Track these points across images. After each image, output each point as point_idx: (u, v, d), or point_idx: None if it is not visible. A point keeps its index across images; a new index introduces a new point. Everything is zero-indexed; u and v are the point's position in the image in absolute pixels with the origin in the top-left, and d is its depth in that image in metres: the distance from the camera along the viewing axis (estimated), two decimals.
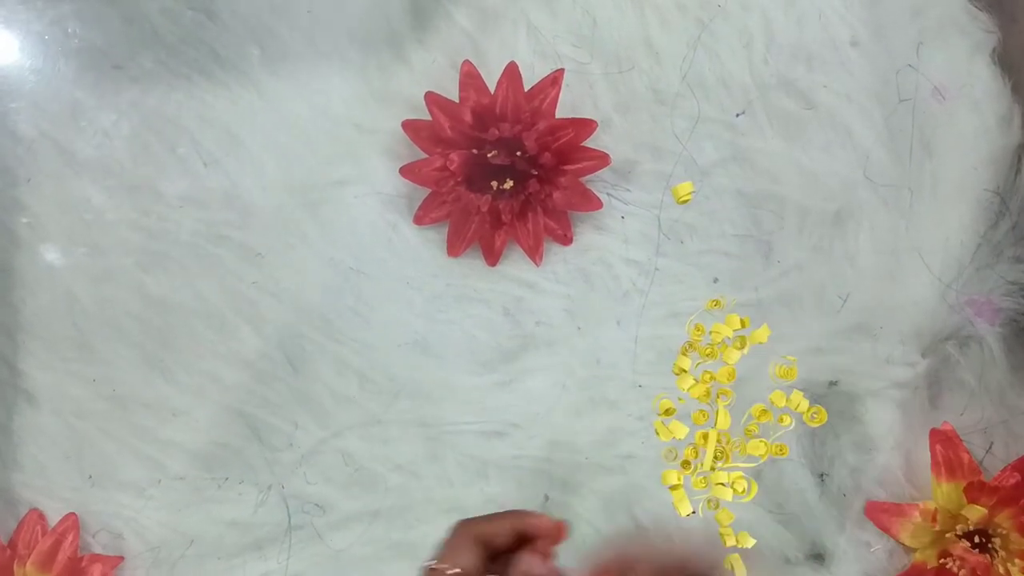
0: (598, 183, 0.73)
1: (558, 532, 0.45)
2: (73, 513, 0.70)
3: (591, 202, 0.72)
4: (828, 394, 0.69)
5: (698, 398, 0.61)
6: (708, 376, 0.62)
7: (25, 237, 0.72)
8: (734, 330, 0.61)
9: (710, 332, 0.62)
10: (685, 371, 0.62)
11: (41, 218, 0.73)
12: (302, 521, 0.69)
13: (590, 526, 0.69)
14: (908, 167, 0.69)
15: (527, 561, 0.43)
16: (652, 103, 0.73)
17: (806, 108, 0.71)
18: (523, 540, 0.45)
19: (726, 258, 0.71)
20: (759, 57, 0.71)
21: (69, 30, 0.75)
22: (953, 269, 0.68)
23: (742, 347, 0.61)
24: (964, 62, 0.70)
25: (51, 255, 0.73)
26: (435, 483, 0.70)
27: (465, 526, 0.44)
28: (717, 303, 0.68)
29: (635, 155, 0.73)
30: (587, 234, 0.73)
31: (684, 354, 0.63)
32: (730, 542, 0.59)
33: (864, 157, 0.70)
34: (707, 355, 0.62)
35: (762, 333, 0.61)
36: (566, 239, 0.73)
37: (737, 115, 0.71)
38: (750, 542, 0.59)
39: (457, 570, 0.41)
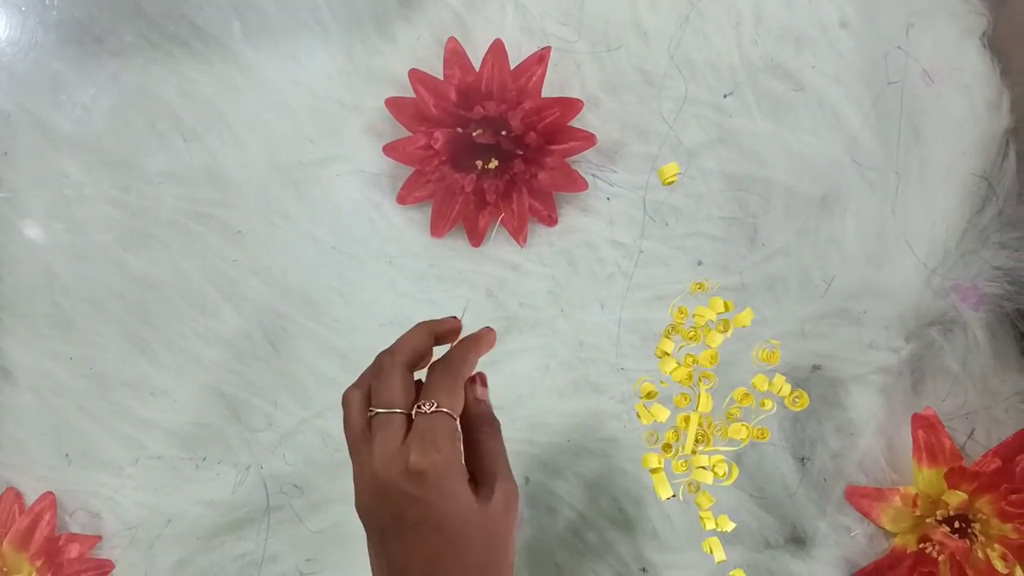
0: (584, 164, 0.72)
1: (456, 331, 0.47)
2: (50, 492, 0.69)
3: (576, 183, 0.71)
4: (811, 378, 0.68)
5: (680, 381, 0.61)
6: (690, 359, 0.61)
7: (3, 212, 0.72)
8: (717, 313, 0.60)
9: (693, 315, 0.61)
10: (668, 354, 0.62)
11: (19, 193, 0.72)
12: (281, 502, 0.68)
13: (572, 509, 0.68)
14: (896, 150, 0.68)
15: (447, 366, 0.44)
16: (639, 83, 0.72)
17: (794, 90, 0.70)
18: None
19: (711, 241, 0.70)
20: (748, 38, 0.71)
21: (47, 2, 0.74)
22: (939, 254, 0.68)
23: (725, 330, 0.60)
24: (954, 45, 0.69)
25: (29, 231, 0.72)
26: None
27: (389, 358, 0.44)
28: (701, 286, 0.67)
29: (621, 136, 0.72)
30: (572, 215, 0.73)
31: (667, 337, 0.62)
32: (710, 525, 0.59)
33: (852, 140, 0.69)
34: (690, 338, 0.62)
35: (745, 317, 0.60)
36: (551, 220, 0.72)
37: (725, 96, 0.70)
38: (730, 526, 0.59)
39: (398, 410, 0.42)
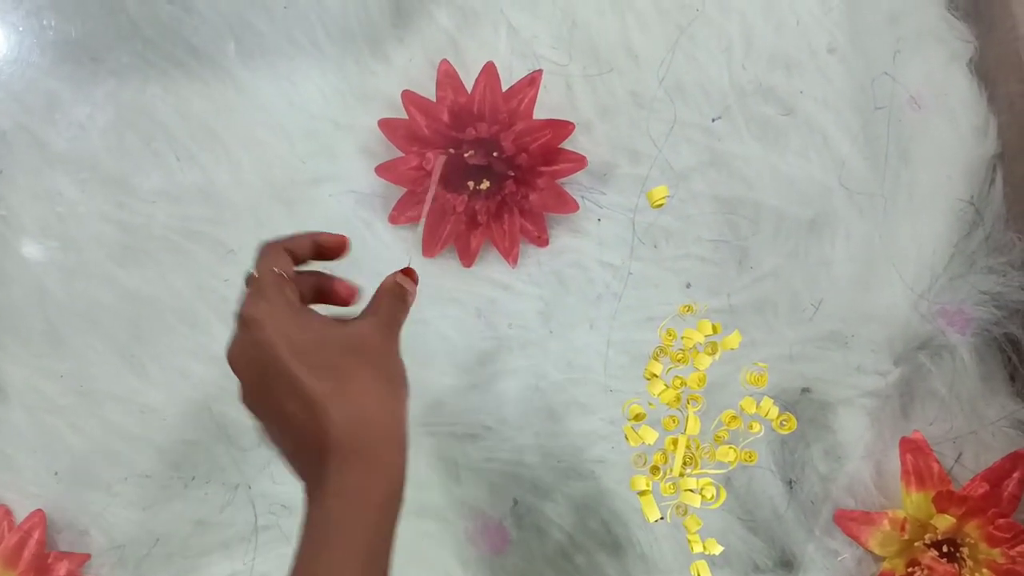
0: (574, 185, 0.72)
1: (342, 246, 0.51)
2: (40, 510, 0.69)
3: (567, 204, 0.72)
4: (800, 401, 0.69)
5: (668, 403, 0.61)
6: (679, 382, 0.62)
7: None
8: (706, 336, 0.61)
9: (682, 337, 0.62)
10: (656, 376, 0.62)
11: (14, 210, 0.72)
12: (269, 522, 0.68)
13: (561, 531, 0.68)
14: (883, 175, 0.69)
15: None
16: (630, 106, 0.73)
17: (783, 114, 0.71)
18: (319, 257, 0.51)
19: (700, 263, 0.71)
20: (737, 62, 0.71)
21: (44, 22, 0.75)
22: (926, 278, 0.68)
23: (713, 353, 0.61)
24: (941, 71, 0.70)
25: (23, 248, 0.72)
26: None
27: (270, 243, 0.48)
28: (689, 308, 0.68)
29: (612, 158, 0.73)
30: (562, 237, 0.73)
31: (655, 359, 0.63)
32: (697, 548, 0.59)
33: (840, 164, 0.70)
34: (678, 360, 0.62)
35: (733, 339, 0.61)
36: (541, 241, 0.73)
37: (714, 120, 0.71)
38: (717, 549, 0.59)
39: (277, 270, 0.45)
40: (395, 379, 0.45)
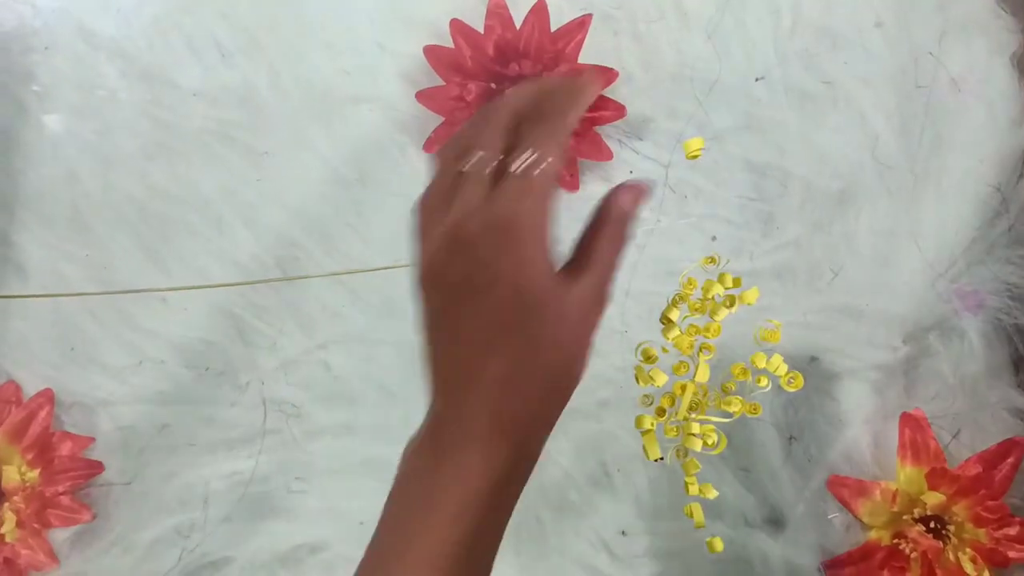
0: (611, 133, 0.73)
1: (586, 87, 0.38)
2: (49, 388, 0.70)
3: (602, 152, 0.72)
4: (807, 369, 0.70)
5: (681, 350, 0.62)
6: (694, 329, 0.62)
7: (33, 106, 0.72)
8: (725, 288, 0.62)
9: (701, 288, 0.62)
10: (672, 322, 0.63)
11: (51, 89, 0.72)
12: (277, 425, 0.69)
13: (559, 467, 0.69)
14: (916, 153, 0.70)
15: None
16: (674, 61, 0.73)
17: (823, 84, 0.71)
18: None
19: (726, 224, 0.72)
20: (785, 29, 0.72)
21: None
22: (946, 259, 0.69)
23: (731, 306, 0.61)
24: (983, 60, 0.70)
25: (57, 128, 0.72)
26: (413, 406, 0.69)
27: (492, 105, 0.37)
28: (712, 260, 0.68)
29: (651, 111, 0.73)
30: (593, 183, 0.74)
31: (674, 305, 0.63)
32: (693, 491, 0.60)
33: (874, 139, 0.71)
34: (696, 309, 0.63)
35: (751, 295, 0.61)
36: (572, 184, 0.73)
37: (757, 79, 0.72)
38: (712, 493, 0.60)
39: (480, 153, 0.35)
40: (574, 369, 0.38)
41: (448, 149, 0.37)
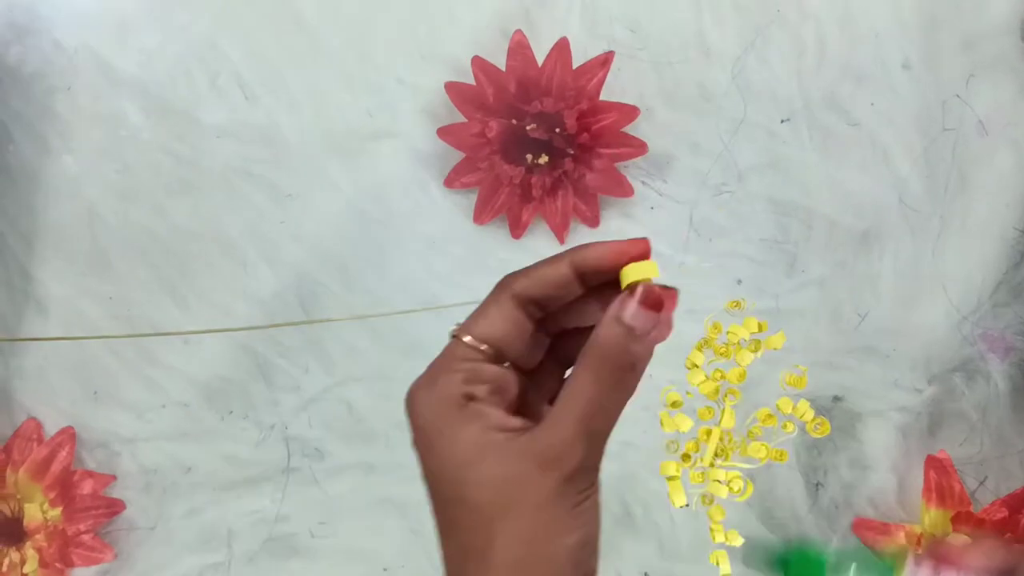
0: (632, 171, 0.73)
1: (644, 248, 0.33)
2: (70, 427, 0.70)
3: (623, 188, 0.72)
4: (832, 409, 0.70)
5: (706, 395, 0.62)
6: (719, 374, 0.63)
7: (55, 145, 0.72)
8: (751, 333, 0.62)
9: (727, 332, 0.62)
10: (697, 366, 0.63)
11: (74, 129, 0.72)
12: (300, 464, 0.69)
13: None
14: (942, 196, 0.70)
15: (621, 306, 0.32)
16: (697, 99, 0.73)
17: (848, 125, 0.71)
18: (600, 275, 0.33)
19: (750, 263, 0.71)
20: (810, 68, 0.72)
21: None
22: (971, 302, 0.69)
23: (756, 350, 0.62)
24: (1011, 101, 0.70)
25: (79, 167, 0.72)
26: None
27: (503, 282, 0.34)
28: (737, 304, 0.68)
29: (673, 149, 0.73)
30: (614, 220, 0.73)
31: (699, 350, 0.63)
32: (719, 538, 0.60)
33: (899, 181, 0.70)
34: (721, 354, 0.63)
35: (777, 340, 0.62)
36: (593, 221, 0.73)
37: (782, 121, 0.71)
38: (739, 541, 0.60)
39: (483, 347, 0.33)
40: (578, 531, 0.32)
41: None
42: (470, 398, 0.32)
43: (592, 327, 0.32)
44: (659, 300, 0.32)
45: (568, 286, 0.34)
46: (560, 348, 0.36)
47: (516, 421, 0.33)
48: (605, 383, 0.32)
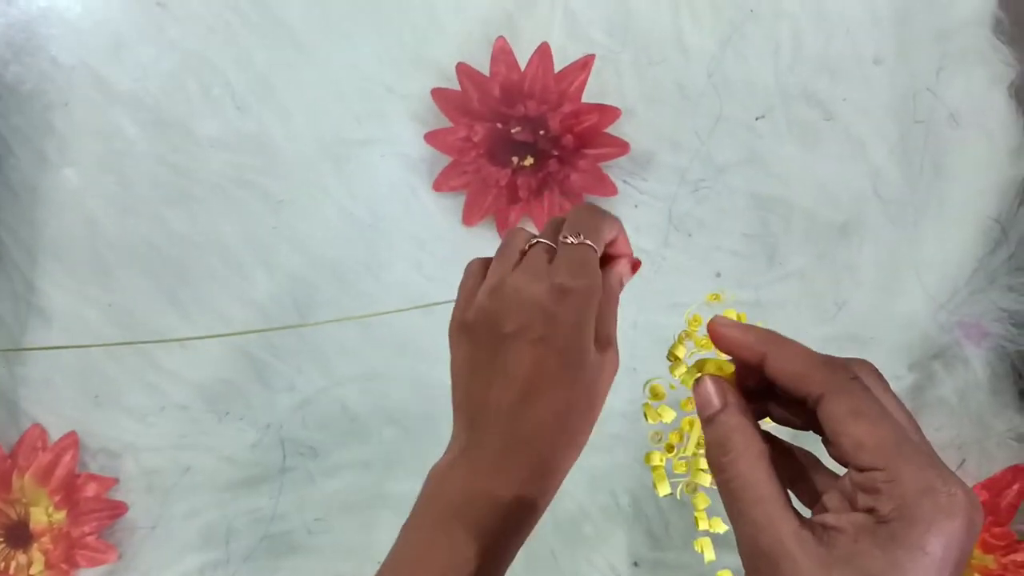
0: (615, 170, 0.75)
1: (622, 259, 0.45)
2: (73, 432, 0.72)
3: (607, 187, 0.74)
4: None
5: (688, 386, 0.63)
6: (700, 365, 0.64)
7: (54, 159, 0.74)
8: None
9: (707, 323, 0.64)
10: (679, 359, 0.64)
11: (72, 143, 0.75)
12: (295, 463, 0.71)
13: (573, 500, 0.71)
14: (916, 186, 0.71)
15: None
16: (676, 98, 0.75)
17: (824, 119, 0.73)
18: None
19: (731, 256, 0.73)
20: (785, 64, 0.73)
21: None
22: (948, 290, 0.70)
23: None
24: (982, 91, 0.72)
25: (78, 180, 0.75)
26: (427, 442, 0.72)
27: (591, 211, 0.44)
28: (717, 297, 0.69)
29: (654, 147, 0.75)
30: None
31: (680, 342, 0.65)
32: (703, 525, 0.61)
33: (875, 172, 0.72)
34: (702, 346, 0.64)
35: None
36: None
37: (757, 119, 0.73)
38: (722, 528, 0.61)
39: (541, 240, 0.42)
40: (589, 426, 0.45)
41: (514, 234, 0.44)
42: None
43: None
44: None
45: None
46: None
47: None
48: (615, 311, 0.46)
